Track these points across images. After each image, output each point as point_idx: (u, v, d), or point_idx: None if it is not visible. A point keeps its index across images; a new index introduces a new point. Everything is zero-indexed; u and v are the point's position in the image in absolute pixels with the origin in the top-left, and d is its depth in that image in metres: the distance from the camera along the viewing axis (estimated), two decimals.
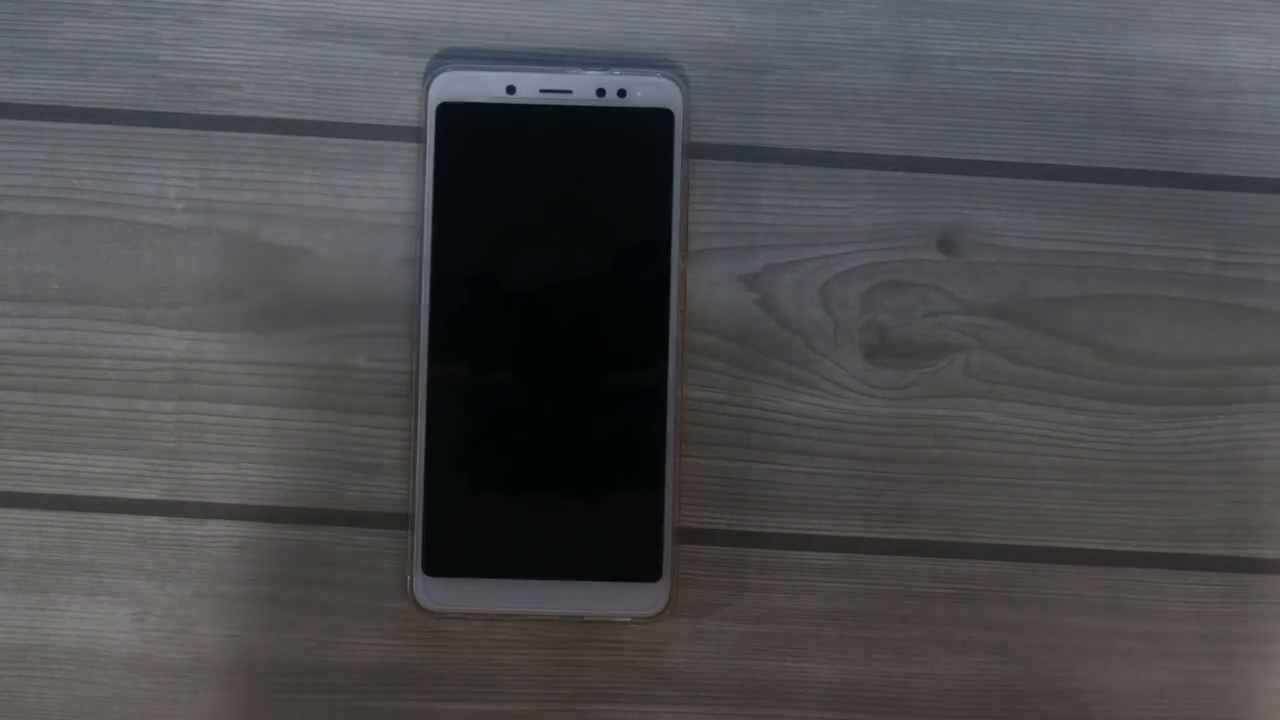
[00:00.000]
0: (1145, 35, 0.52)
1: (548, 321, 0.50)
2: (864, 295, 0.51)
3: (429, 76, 0.50)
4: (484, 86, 0.50)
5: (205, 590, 0.50)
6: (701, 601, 0.51)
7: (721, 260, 0.51)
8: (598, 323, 0.50)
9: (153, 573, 0.50)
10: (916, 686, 0.50)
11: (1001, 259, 0.51)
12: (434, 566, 0.49)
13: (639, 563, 0.50)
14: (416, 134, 0.51)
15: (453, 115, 0.50)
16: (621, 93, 0.50)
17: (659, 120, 0.50)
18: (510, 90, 0.50)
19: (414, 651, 0.50)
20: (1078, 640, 0.51)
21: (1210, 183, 0.52)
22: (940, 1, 0.52)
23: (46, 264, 0.51)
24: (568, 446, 0.50)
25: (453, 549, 0.50)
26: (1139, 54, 0.52)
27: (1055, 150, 0.52)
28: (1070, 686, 0.51)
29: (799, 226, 0.51)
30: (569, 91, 0.50)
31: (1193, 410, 0.51)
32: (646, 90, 0.50)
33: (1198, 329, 0.51)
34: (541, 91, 0.50)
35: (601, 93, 0.50)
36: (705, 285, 0.51)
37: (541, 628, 0.50)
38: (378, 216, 0.51)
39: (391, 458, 0.50)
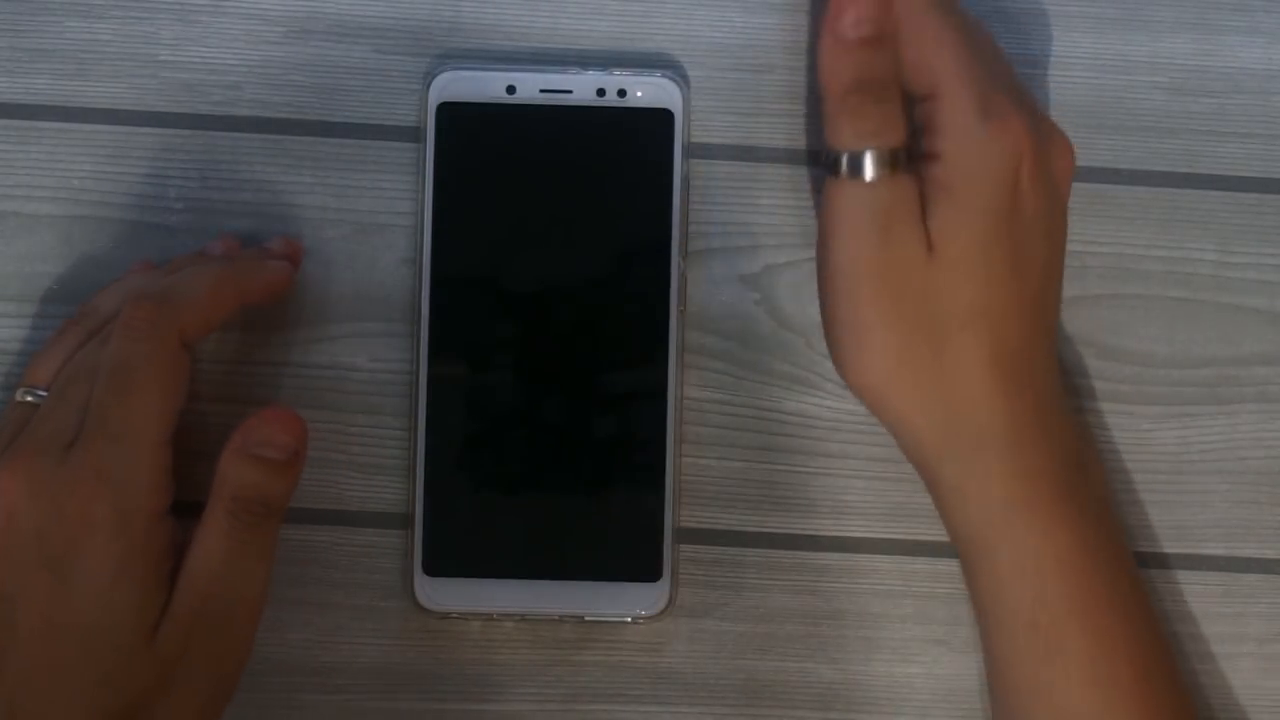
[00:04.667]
0: (1145, 35, 0.52)
1: (548, 322, 0.50)
2: None
3: (429, 76, 0.50)
4: (484, 86, 0.50)
5: None
6: (701, 601, 0.51)
7: (721, 260, 0.51)
8: (598, 323, 0.50)
9: None
10: (916, 686, 0.50)
11: None
12: (434, 566, 0.49)
13: (639, 563, 0.50)
14: (416, 134, 0.51)
15: (453, 115, 0.50)
16: (621, 93, 0.50)
17: (659, 120, 0.50)
18: (510, 90, 0.50)
19: (414, 651, 0.50)
20: None
21: (1210, 183, 0.52)
22: None
23: (46, 264, 0.51)
24: (568, 446, 0.50)
25: (453, 549, 0.50)
26: (1138, 54, 0.52)
27: None
28: None
29: (799, 226, 0.51)
30: (569, 91, 0.50)
31: (1193, 410, 0.51)
32: (646, 90, 0.50)
33: (1198, 329, 0.51)
34: (541, 91, 0.50)
35: (601, 93, 0.50)
36: (705, 285, 0.51)
37: (541, 628, 0.50)
38: (378, 216, 0.51)
39: (391, 458, 0.50)
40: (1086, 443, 0.47)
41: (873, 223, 0.44)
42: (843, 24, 0.44)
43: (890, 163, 0.44)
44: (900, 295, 0.44)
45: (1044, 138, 0.45)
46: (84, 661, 0.43)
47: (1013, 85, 0.46)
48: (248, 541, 0.45)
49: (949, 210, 0.44)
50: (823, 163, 0.45)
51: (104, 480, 0.43)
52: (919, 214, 0.44)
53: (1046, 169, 0.45)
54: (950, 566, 0.51)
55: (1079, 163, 0.51)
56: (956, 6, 0.46)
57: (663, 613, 0.50)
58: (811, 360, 0.51)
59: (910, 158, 0.45)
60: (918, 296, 0.44)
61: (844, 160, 0.44)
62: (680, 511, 0.50)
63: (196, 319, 0.46)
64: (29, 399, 0.47)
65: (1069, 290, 0.51)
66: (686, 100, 0.50)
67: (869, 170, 0.44)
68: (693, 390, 0.51)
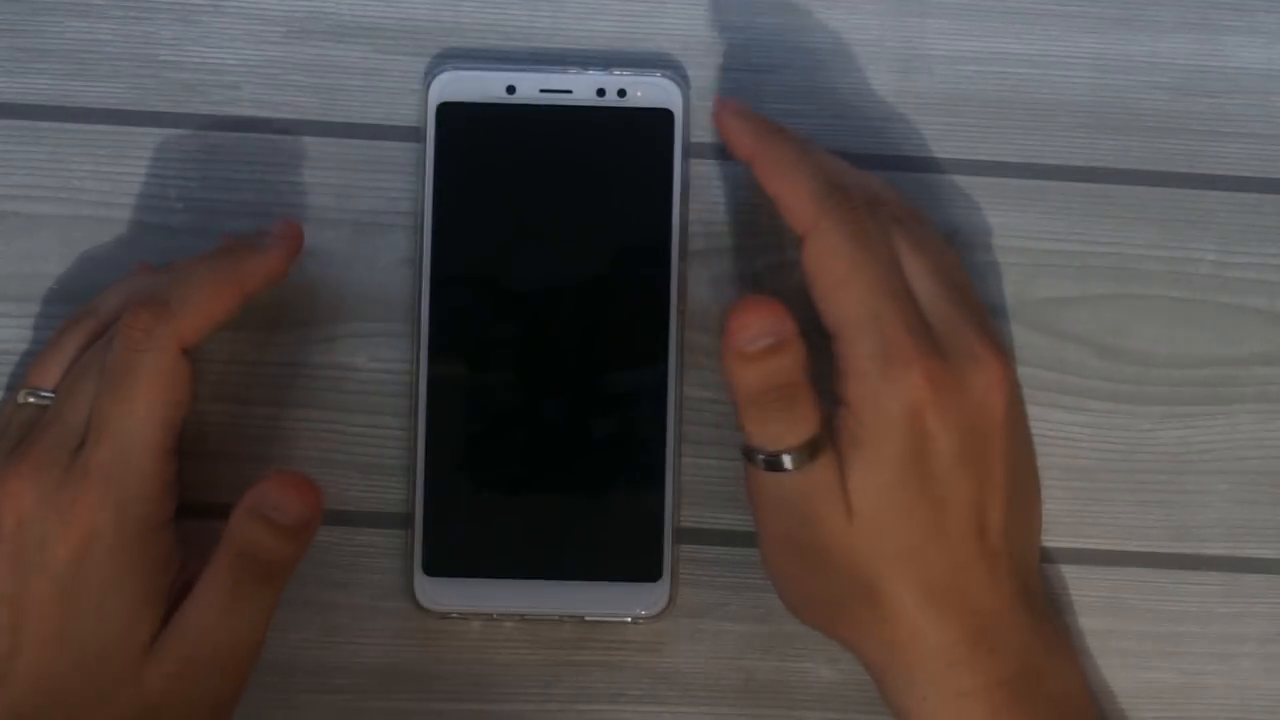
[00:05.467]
0: (1145, 35, 0.52)
1: (548, 322, 0.50)
2: None
3: (429, 76, 0.50)
4: (484, 86, 0.50)
5: None
6: (701, 601, 0.51)
7: (721, 260, 0.51)
8: (598, 323, 0.50)
9: None
10: None
11: (1001, 259, 0.51)
12: (434, 566, 0.49)
13: (639, 563, 0.50)
14: (416, 134, 0.51)
15: (453, 115, 0.50)
16: (621, 93, 0.50)
17: (659, 120, 0.50)
18: (510, 90, 0.50)
19: (414, 651, 0.50)
20: (1077, 640, 0.51)
21: (1210, 183, 0.52)
22: (940, 1, 0.52)
23: (46, 264, 0.51)
24: (568, 447, 0.50)
25: (453, 549, 0.50)
26: (1139, 54, 0.52)
27: (1055, 150, 0.52)
28: None
29: None
30: (569, 91, 0.50)
31: (1193, 410, 0.51)
32: (646, 90, 0.50)
33: (1198, 329, 0.51)
34: (541, 91, 0.50)
35: (601, 93, 0.50)
36: (705, 285, 0.51)
37: (541, 628, 0.50)
38: (378, 216, 0.51)
39: (391, 458, 0.50)
40: (1050, 644, 0.46)
41: (793, 509, 0.45)
42: (743, 339, 0.44)
43: (808, 455, 0.44)
44: (827, 563, 0.45)
45: (955, 368, 0.44)
46: (81, 674, 0.43)
47: (931, 314, 0.45)
48: (246, 600, 0.44)
49: (860, 468, 0.44)
50: (742, 452, 0.46)
51: (107, 488, 0.44)
52: (838, 490, 0.44)
53: (959, 404, 0.44)
54: None
55: (1079, 163, 0.52)
56: (874, 240, 0.45)
57: (663, 613, 0.50)
58: (811, 360, 0.51)
59: (825, 430, 0.45)
60: (843, 559, 0.44)
61: (760, 459, 0.45)
62: (680, 511, 0.50)
63: (195, 323, 0.45)
64: (32, 400, 0.47)
65: (1070, 290, 0.51)
66: (686, 100, 0.50)
67: (787, 465, 0.44)
68: (693, 390, 0.51)
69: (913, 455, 0.44)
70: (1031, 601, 0.46)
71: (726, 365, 0.45)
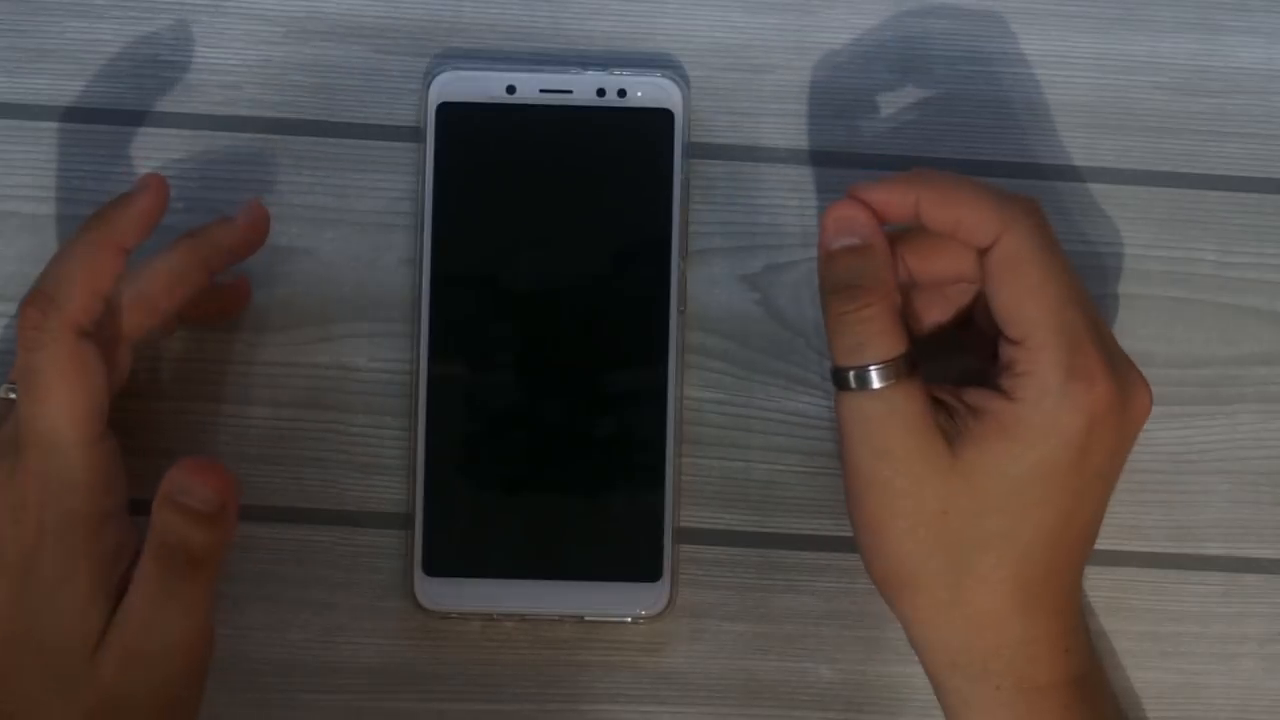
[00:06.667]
0: (1145, 35, 0.52)
1: (548, 321, 0.50)
2: None
3: (429, 76, 0.50)
4: (484, 86, 0.50)
5: None
6: (701, 601, 0.51)
7: (721, 260, 0.51)
8: (598, 323, 0.50)
9: None
10: (916, 686, 0.50)
11: None
12: (434, 566, 0.49)
13: (639, 563, 0.50)
14: (416, 134, 0.51)
15: (453, 115, 0.50)
16: (621, 93, 0.50)
17: (659, 120, 0.50)
18: (510, 90, 0.50)
19: (414, 651, 0.50)
20: None
21: (1210, 183, 0.52)
22: (940, 1, 0.52)
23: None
24: (568, 446, 0.50)
25: (453, 549, 0.50)
26: (1139, 54, 0.52)
27: (1055, 150, 0.52)
28: None
29: (799, 226, 0.51)
30: (569, 91, 0.50)
31: (1193, 410, 0.51)
32: (646, 90, 0.50)
33: (1198, 329, 0.51)
34: (541, 91, 0.50)
35: (601, 93, 0.50)
36: (705, 285, 0.51)
37: (541, 628, 0.50)
38: (378, 216, 0.51)
39: (391, 458, 0.50)
40: (1095, 647, 0.47)
41: (881, 431, 0.44)
42: (828, 235, 0.45)
43: (894, 374, 0.44)
44: (916, 500, 0.44)
45: (1124, 390, 0.44)
46: (42, 669, 0.43)
47: (1102, 330, 0.45)
48: (174, 591, 0.44)
49: (996, 446, 0.43)
50: (832, 378, 0.45)
51: (45, 487, 0.43)
52: (930, 420, 0.44)
53: (1118, 425, 0.44)
54: None
55: (1079, 163, 0.52)
56: (1059, 249, 0.45)
57: (663, 613, 0.50)
58: (811, 360, 0.51)
59: (914, 366, 0.44)
60: (935, 503, 0.44)
61: (850, 377, 0.44)
62: (680, 511, 0.50)
63: (83, 301, 0.44)
64: (12, 396, 0.47)
65: None
66: (686, 100, 0.50)
67: (875, 383, 0.44)
68: (693, 390, 0.51)
69: (1065, 466, 0.43)
70: (1083, 605, 0.47)
71: (819, 270, 0.45)
